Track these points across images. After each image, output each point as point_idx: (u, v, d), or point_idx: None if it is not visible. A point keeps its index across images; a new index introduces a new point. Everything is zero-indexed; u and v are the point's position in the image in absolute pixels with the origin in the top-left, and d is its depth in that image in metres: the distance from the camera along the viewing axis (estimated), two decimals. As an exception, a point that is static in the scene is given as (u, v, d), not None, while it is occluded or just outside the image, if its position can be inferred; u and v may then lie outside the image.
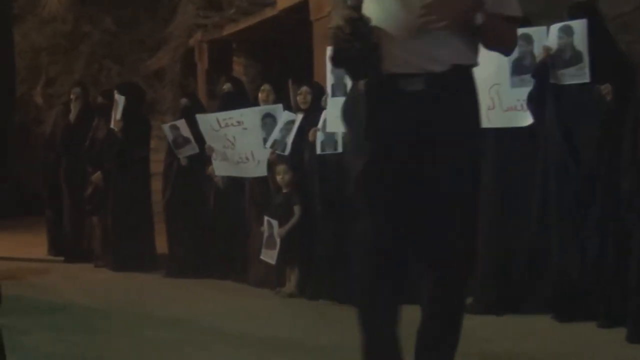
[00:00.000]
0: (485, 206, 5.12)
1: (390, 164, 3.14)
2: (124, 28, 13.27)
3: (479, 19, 3.06)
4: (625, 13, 6.20)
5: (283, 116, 6.76)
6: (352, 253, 3.34)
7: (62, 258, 8.88)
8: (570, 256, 5.15)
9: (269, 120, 6.86)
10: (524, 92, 5.32)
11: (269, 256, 6.50)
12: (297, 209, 6.43)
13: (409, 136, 3.11)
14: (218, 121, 7.13)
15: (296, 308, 6.07)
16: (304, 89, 6.63)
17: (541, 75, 5.22)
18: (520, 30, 4.33)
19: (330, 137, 6.14)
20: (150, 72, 12.41)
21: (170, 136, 7.66)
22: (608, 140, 4.98)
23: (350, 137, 3.47)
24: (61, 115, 9.48)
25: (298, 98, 6.68)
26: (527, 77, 5.34)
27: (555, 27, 5.22)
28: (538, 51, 5.30)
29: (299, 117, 6.60)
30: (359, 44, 3.03)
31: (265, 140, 6.81)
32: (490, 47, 3.24)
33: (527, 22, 5.13)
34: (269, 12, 9.53)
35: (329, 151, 6.16)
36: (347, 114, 3.39)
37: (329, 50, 5.97)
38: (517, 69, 5.40)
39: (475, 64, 3.22)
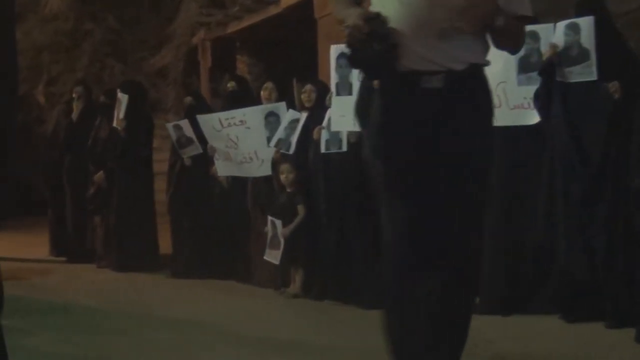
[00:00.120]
0: (491, 205, 5.09)
1: (404, 160, 3.12)
2: (127, 26, 13.22)
3: (501, 21, 3.08)
4: (632, 10, 6.14)
5: (287, 115, 6.72)
6: (387, 255, 3.27)
7: (64, 258, 8.86)
8: (577, 255, 5.10)
9: (272, 119, 6.82)
10: (531, 90, 5.29)
11: (273, 256, 6.45)
12: (301, 209, 6.38)
13: (425, 133, 3.10)
14: (220, 121, 7.09)
15: (300, 308, 6.03)
16: (308, 87, 6.59)
17: (548, 73, 5.18)
18: (527, 28, 4.29)
19: (334, 136, 6.10)
20: (153, 70, 12.36)
21: (173, 136, 7.63)
22: (615, 138, 4.94)
23: (366, 135, 3.41)
24: (63, 115, 9.48)
25: (302, 96, 6.64)
26: (534, 75, 5.30)
27: (562, 25, 5.18)
28: (544, 49, 5.26)
29: (303, 116, 6.56)
30: (378, 45, 2.97)
31: (269, 139, 6.77)
32: (501, 46, 3.27)
33: (533, 19, 5.08)
34: (272, 10, 9.49)
35: (333, 150, 6.12)
36: (361, 111, 3.32)
37: (333, 49, 6.06)
38: (524, 67, 5.36)
39: (487, 63, 3.24)
